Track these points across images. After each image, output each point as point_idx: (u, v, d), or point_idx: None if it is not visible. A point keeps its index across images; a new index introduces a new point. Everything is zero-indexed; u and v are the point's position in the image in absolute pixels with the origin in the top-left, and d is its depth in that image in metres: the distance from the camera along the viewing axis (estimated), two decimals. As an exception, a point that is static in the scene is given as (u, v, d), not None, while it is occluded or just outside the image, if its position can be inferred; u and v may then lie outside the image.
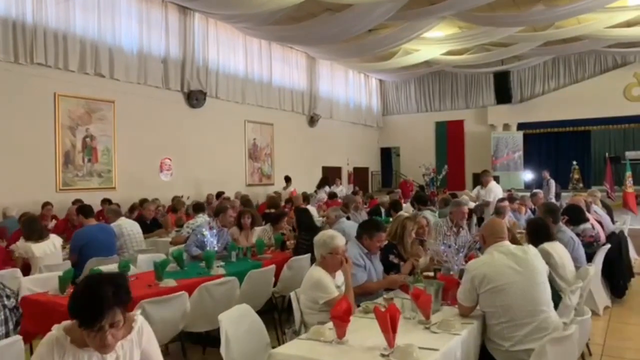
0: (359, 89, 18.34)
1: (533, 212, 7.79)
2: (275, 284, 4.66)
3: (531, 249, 3.09)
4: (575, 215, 5.45)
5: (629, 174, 12.28)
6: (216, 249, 4.72)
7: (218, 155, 11.93)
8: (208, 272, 4.32)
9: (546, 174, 12.84)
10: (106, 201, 8.44)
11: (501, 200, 7.27)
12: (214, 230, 4.83)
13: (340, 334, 2.48)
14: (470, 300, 2.90)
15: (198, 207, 7.41)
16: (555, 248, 3.84)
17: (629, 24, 12.02)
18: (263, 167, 13.74)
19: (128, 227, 5.85)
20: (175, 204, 8.41)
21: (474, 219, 6.70)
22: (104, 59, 9.41)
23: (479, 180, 9.08)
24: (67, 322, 1.83)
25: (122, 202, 8.97)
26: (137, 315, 1.96)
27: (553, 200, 10.52)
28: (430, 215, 6.29)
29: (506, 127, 17.26)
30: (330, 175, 14.79)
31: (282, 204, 9.53)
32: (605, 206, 7.73)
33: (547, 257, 3.61)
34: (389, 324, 2.33)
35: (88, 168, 9.34)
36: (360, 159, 18.28)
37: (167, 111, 10.77)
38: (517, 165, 16.46)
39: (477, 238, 3.39)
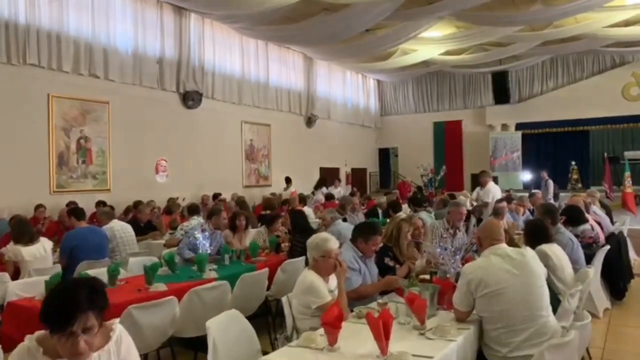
0: (357, 89, 18.27)
1: (531, 212, 7.71)
2: (269, 287, 4.58)
3: (529, 251, 3.01)
4: (574, 216, 5.38)
5: (627, 174, 12.22)
6: (209, 251, 4.63)
7: (214, 156, 11.84)
8: (200, 276, 4.23)
9: (544, 174, 12.77)
10: (101, 203, 8.35)
11: (499, 201, 7.18)
12: (207, 233, 4.74)
13: (332, 340, 2.40)
14: (467, 305, 2.82)
15: (193, 209, 7.31)
16: (553, 250, 3.76)
17: (627, 23, 11.96)
18: (260, 169, 13.65)
19: (120, 230, 5.76)
20: (170, 206, 8.33)
21: (473, 220, 6.61)
22: (98, 60, 9.32)
23: (478, 181, 8.97)
24: (40, 332, 1.74)
25: (117, 204, 8.91)
26: (116, 324, 1.87)
27: (552, 200, 10.45)
28: (426, 217, 6.20)
29: (504, 127, 17.21)
30: (328, 176, 14.69)
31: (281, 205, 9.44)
32: (604, 206, 7.66)
33: (545, 259, 3.54)
34: (381, 331, 2.25)
35: (82, 170, 9.24)
36: (358, 159, 18.20)
37: (163, 112, 10.68)
38: (516, 166, 16.40)
39: (474, 240, 3.30)
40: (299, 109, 15.01)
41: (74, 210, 5.41)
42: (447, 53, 14.39)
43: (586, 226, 5.42)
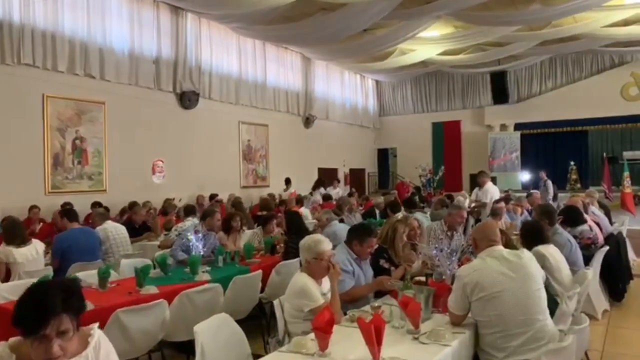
0: (355, 89, 18.21)
1: (529, 213, 7.65)
2: (263, 290, 4.51)
3: (526, 253, 2.94)
4: (573, 217, 5.32)
5: (626, 174, 12.16)
6: (202, 253, 4.56)
7: (212, 156, 11.77)
8: (192, 278, 4.16)
9: (543, 175, 12.70)
10: (96, 204, 8.28)
11: (497, 201, 7.12)
12: (200, 234, 4.67)
13: (323, 346, 2.34)
14: (462, 309, 2.76)
15: (189, 210, 7.25)
16: (550, 251, 3.70)
17: (626, 23, 11.91)
18: (258, 169, 13.58)
19: (114, 231, 5.69)
20: (166, 207, 8.26)
21: (471, 221, 6.54)
22: (94, 60, 9.25)
23: (476, 181, 8.89)
24: (14, 339, 1.66)
25: (113, 205, 8.85)
26: (95, 329, 1.80)
27: (552, 201, 10.37)
28: (421, 217, 6.12)
29: (503, 127, 17.16)
30: (326, 177, 14.64)
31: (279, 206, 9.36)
32: (602, 207, 7.59)
33: (542, 259, 3.48)
34: (373, 336, 2.19)
35: (78, 170, 9.17)
36: (356, 160, 18.13)
37: (159, 112, 10.62)
38: (515, 166, 16.35)
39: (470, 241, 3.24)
40: (297, 109, 14.94)
41: (66, 212, 5.35)
42: (446, 53, 14.33)
43: (585, 227, 5.36)
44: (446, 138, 18.28)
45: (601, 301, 5.35)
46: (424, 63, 15.13)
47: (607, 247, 5.16)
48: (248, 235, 6.06)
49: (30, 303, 1.58)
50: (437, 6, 10.08)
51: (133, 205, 7.46)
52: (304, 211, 8.90)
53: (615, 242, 5.83)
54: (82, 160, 9.22)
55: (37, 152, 8.52)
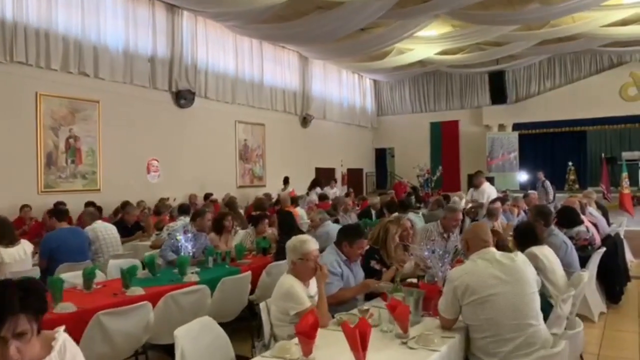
0: (353, 89, 18.13)
1: (526, 213, 7.57)
2: (254, 291, 4.43)
3: (519, 256, 2.86)
4: (569, 218, 5.24)
5: (625, 174, 12.11)
6: (191, 254, 4.48)
7: (208, 156, 11.68)
8: (181, 279, 4.08)
9: (541, 175, 12.62)
10: (90, 204, 8.18)
11: (493, 201, 7.03)
12: (189, 235, 4.59)
13: (306, 351, 2.26)
14: (453, 313, 2.68)
15: (183, 209, 7.19)
16: (543, 251, 3.63)
17: (624, 22, 11.85)
18: (254, 169, 13.51)
19: (104, 231, 5.60)
20: (160, 206, 8.17)
21: (467, 222, 6.46)
22: (88, 58, 9.16)
23: (472, 182, 8.79)
24: None
25: (107, 205, 8.77)
26: (59, 333, 1.71)
27: (552, 203, 10.27)
28: (414, 218, 6.03)
29: (501, 127, 17.09)
30: (324, 177, 14.56)
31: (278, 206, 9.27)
32: (600, 208, 7.52)
33: (535, 260, 3.40)
34: (358, 342, 2.11)
35: (72, 169, 9.09)
36: (354, 160, 18.06)
37: (155, 111, 10.54)
38: (513, 166, 16.29)
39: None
40: (294, 109, 14.86)
41: (55, 211, 5.27)
42: (444, 52, 14.26)
43: (581, 228, 5.28)
44: (444, 138, 18.21)
45: (598, 303, 5.28)
46: (422, 63, 15.06)
47: (603, 249, 5.09)
48: (241, 236, 5.98)
49: None
50: (434, 5, 10.01)
51: (125, 205, 7.37)
52: (300, 211, 8.81)
53: (613, 243, 5.75)
54: (75, 159, 9.14)
55: (30, 151, 8.44)
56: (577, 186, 14.77)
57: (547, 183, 12.38)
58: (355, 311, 2.91)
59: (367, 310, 2.79)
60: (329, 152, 16.43)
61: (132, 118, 10.02)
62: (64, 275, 4.10)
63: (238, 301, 4.09)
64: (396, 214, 6.70)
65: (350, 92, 17.86)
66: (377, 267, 3.59)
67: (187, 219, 6.46)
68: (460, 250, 3.50)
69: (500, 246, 3.65)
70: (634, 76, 15.15)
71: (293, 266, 2.91)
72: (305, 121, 15.27)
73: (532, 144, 16.97)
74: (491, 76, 16.76)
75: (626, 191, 11.88)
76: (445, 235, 5.19)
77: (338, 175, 16.82)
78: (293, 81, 14.76)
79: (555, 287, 3.54)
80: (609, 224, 7.16)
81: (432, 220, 6.40)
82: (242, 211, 8.89)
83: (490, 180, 11.21)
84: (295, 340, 2.40)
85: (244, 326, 4.36)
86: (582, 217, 5.67)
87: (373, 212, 8.58)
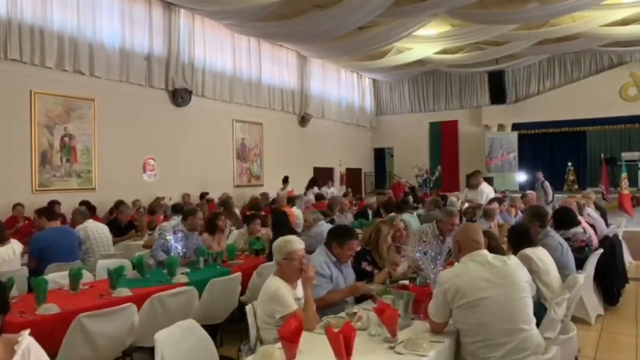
0: (352, 88, 18.05)
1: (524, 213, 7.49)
2: (245, 292, 4.36)
3: (512, 259, 2.79)
4: (566, 219, 5.17)
5: (624, 175, 12.03)
6: (181, 254, 4.41)
7: (204, 155, 11.61)
8: (170, 280, 4.01)
9: (540, 176, 12.54)
10: (84, 203, 8.12)
11: (490, 202, 6.96)
12: (179, 234, 4.52)
13: (290, 356, 2.19)
14: (443, 316, 2.60)
15: (176, 209, 7.12)
16: (536, 253, 3.55)
17: (624, 22, 11.77)
18: (252, 168, 13.44)
19: (95, 230, 5.52)
20: (154, 206, 8.10)
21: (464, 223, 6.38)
22: (83, 56, 9.08)
23: (468, 182, 8.66)
24: None
25: (102, 204, 8.71)
26: (23, 336, 1.63)
27: (551, 204, 10.18)
28: (409, 218, 5.95)
29: (501, 127, 17.01)
30: (322, 177, 14.48)
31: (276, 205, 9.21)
32: (598, 208, 7.44)
33: (528, 262, 3.33)
34: (342, 347, 2.04)
35: (66, 168, 9.01)
36: (353, 159, 17.98)
37: (151, 110, 10.46)
38: (512, 166, 16.21)
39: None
40: (292, 108, 14.78)
41: (45, 210, 5.20)
42: (443, 52, 14.18)
43: (578, 229, 5.21)
44: (443, 138, 18.13)
45: (595, 305, 5.21)
46: (421, 62, 14.98)
47: (601, 250, 5.01)
48: (235, 236, 5.91)
49: None
50: (432, 4, 9.94)
51: (119, 204, 7.31)
52: (296, 211, 8.74)
53: (611, 244, 5.67)
54: (70, 157, 9.07)
55: (24, 150, 8.36)
56: (576, 187, 14.70)
57: (546, 183, 12.30)
58: (343, 314, 2.83)
59: (355, 313, 2.73)
60: (328, 151, 16.35)
61: (128, 117, 9.95)
62: (51, 276, 4.05)
63: (227, 303, 4.01)
64: (393, 214, 6.65)
65: (349, 91, 17.78)
66: (369, 268, 3.52)
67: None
68: (453, 252, 3.43)
69: (494, 248, 3.58)
70: (634, 76, 15.07)
71: (279, 267, 2.84)
72: (303, 120, 15.19)
73: (531, 144, 16.89)
74: (490, 76, 16.67)
75: (625, 192, 11.80)
76: (440, 237, 5.10)
77: (337, 175, 16.75)
78: (291, 80, 14.68)
79: (549, 289, 3.46)
80: (607, 225, 7.08)
81: (428, 220, 6.30)
82: (238, 211, 8.83)
83: (489, 180, 11.14)
84: (279, 344, 2.33)
85: (234, 328, 4.30)
86: (580, 218, 5.60)
87: (370, 212, 8.51)
